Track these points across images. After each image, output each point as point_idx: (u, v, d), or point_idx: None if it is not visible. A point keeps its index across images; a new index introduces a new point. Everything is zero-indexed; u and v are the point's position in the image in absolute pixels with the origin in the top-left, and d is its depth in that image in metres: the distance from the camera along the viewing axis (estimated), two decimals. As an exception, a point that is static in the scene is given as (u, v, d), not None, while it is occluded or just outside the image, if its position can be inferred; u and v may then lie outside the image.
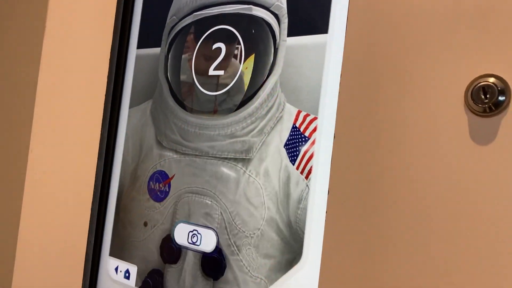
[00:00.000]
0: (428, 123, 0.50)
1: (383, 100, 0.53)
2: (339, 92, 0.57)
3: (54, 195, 0.89)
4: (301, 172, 0.61)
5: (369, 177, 0.53)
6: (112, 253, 0.83)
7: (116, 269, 0.81)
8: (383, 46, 0.54)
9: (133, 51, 0.85)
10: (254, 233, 0.65)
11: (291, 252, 0.61)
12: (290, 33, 0.65)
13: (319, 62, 0.61)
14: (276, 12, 0.66)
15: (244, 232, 0.66)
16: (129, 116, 0.84)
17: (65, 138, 0.89)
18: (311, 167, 0.60)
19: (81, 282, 0.82)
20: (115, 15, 0.84)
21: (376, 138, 0.53)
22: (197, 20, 0.76)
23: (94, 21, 0.88)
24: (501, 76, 0.45)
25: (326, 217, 0.56)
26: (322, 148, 0.59)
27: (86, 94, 0.87)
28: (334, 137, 0.57)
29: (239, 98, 0.69)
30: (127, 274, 0.80)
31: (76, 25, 0.90)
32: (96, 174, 0.83)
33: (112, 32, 0.85)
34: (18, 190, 0.93)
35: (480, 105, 0.45)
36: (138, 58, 0.84)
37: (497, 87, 0.45)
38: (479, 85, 0.46)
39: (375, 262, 0.52)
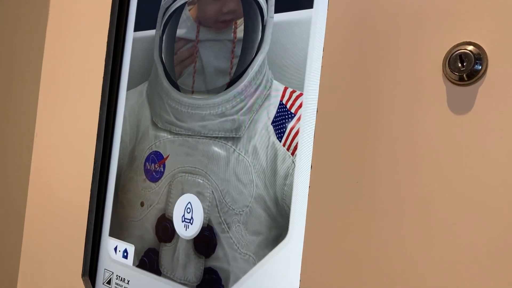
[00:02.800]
0: (407, 93, 0.49)
1: (364, 72, 0.53)
2: (321, 67, 0.57)
3: (57, 176, 0.91)
4: (288, 149, 0.61)
5: (351, 150, 0.53)
6: (112, 233, 0.84)
7: (115, 248, 0.83)
8: (363, 18, 0.53)
9: (130, 34, 0.86)
10: (243, 210, 0.65)
11: (278, 228, 0.61)
12: (277, 9, 0.64)
13: (304, 38, 0.61)
14: (264, -11, 0.66)
15: (234, 209, 0.66)
16: (126, 98, 0.85)
17: (67, 121, 0.91)
18: (297, 143, 0.60)
19: (82, 261, 0.85)
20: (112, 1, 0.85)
21: (357, 111, 0.53)
22: (190, 1, 0.76)
23: (92, 6, 0.90)
24: (480, 44, 0.44)
25: (309, 191, 0.56)
26: (307, 124, 0.59)
27: (86, 78, 0.89)
28: (317, 111, 0.56)
29: (228, 77, 0.69)
30: (125, 254, 0.81)
31: (76, 12, 0.92)
32: (95, 156, 0.85)
33: (109, 16, 0.86)
34: (25, 171, 0.96)
35: (456, 73, 0.44)
36: (135, 40, 0.85)
37: (474, 55, 0.44)
38: (456, 53, 0.45)
39: (357, 235, 0.52)
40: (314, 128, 0.58)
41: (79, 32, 0.92)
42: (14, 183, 1.01)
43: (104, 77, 0.85)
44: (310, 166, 0.58)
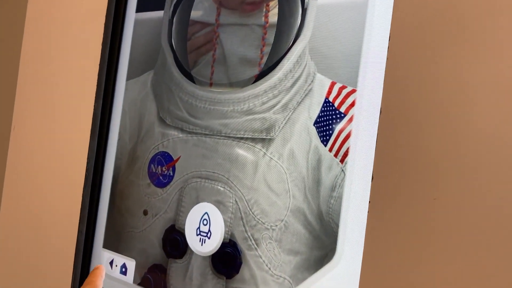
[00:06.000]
0: (495, 91, 0.41)
1: (440, 67, 0.44)
2: (387, 59, 0.48)
3: (39, 179, 0.79)
4: (335, 155, 0.52)
5: (426, 160, 0.44)
6: (106, 245, 0.73)
7: (111, 263, 0.72)
8: (440, 2, 0.44)
9: (131, 15, 0.74)
10: (276, 225, 0.56)
11: (322, 248, 0.52)
12: (322, -9, 0.55)
13: (358, 24, 0.51)
14: (305, -34, 0.56)
15: (264, 223, 0.57)
16: (126, 89, 0.73)
17: (53, 113, 0.79)
18: (348, 148, 0.51)
19: (71, 277, 0.73)
20: (111, -27, 0.74)
21: (432, 112, 0.44)
22: (208, -22, 0.65)
23: (87, -20, 0.78)
24: None
25: (370, 207, 0.47)
26: (362, 126, 0.50)
27: (78, 63, 0.76)
28: (381, 112, 0.47)
29: (257, 68, 0.59)
30: (123, 269, 0.70)
31: (66, -17, 0.79)
32: (88, 155, 0.73)
33: (107, -7, 0.74)
34: (-2, 173, 0.82)
35: None
36: (137, 23, 0.74)
37: None
38: None
39: (427, 261, 0.43)
40: (372, 131, 0.49)
41: (68, 10, 0.79)
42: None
43: (100, 64, 0.73)
44: (366, 176, 0.49)
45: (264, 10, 0.60)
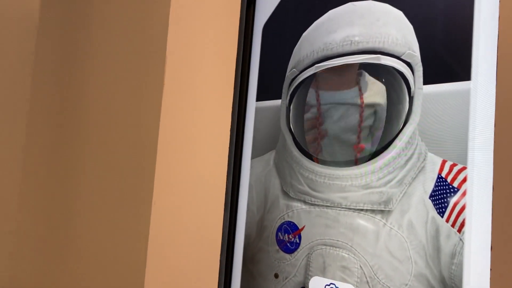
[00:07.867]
0: None
1: (548, 148, 0.50)
2: (494, 142, 0.55)
3: (181, 249, 0.92)
4: (452, 225, 0.58)
5: (541, 232, 0.49)
6: (242, 305, 0.83)
7: (247, 321, 0.81)
8: (545, 92, 0.51)
9: (252, 104, 0.88)
10: (401, 289, 0.62)
11: (447, 311, 0.58)
12: (427, 81, 0.64)
13: (463, 110, 0.59)
14: (408, 60, 0.66)
15: (390, 287, 0.63)
16: (251, 166, 0.86)
17: (190, 191, 0.93)
18: (464, 219, 0.57)
19: (213, 334, 0.83)
20: (235, 72, 0.88)
21: (545, 190, 0.50)
22: (319, 71, 0.77)
23: (214, 77, 0.93)
24: None
25: (491, 274, 0.53)
26: (475, 200, 0.57)
27: (209, 147, 0.90)
28: (493, 189, 0.54)
29: (372, 148, 0.68)
30: (258, 327, 0.79)
31: (197, 83, 0.95)
32: (223, 226, 0.85)
33: (232, 88, 0.88)
34: (142, 245, 0.97)
35: None
36: (257, 110, 0.87)
37: None
38: None
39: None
40: (486, 205, 0.55)
41: (200, 103, 0.94)
42: (130, 258, 1.03)
43: (229, 147, 0.86)
44: (483, 245, 0.55)
45: (358, 91, 0.69)
